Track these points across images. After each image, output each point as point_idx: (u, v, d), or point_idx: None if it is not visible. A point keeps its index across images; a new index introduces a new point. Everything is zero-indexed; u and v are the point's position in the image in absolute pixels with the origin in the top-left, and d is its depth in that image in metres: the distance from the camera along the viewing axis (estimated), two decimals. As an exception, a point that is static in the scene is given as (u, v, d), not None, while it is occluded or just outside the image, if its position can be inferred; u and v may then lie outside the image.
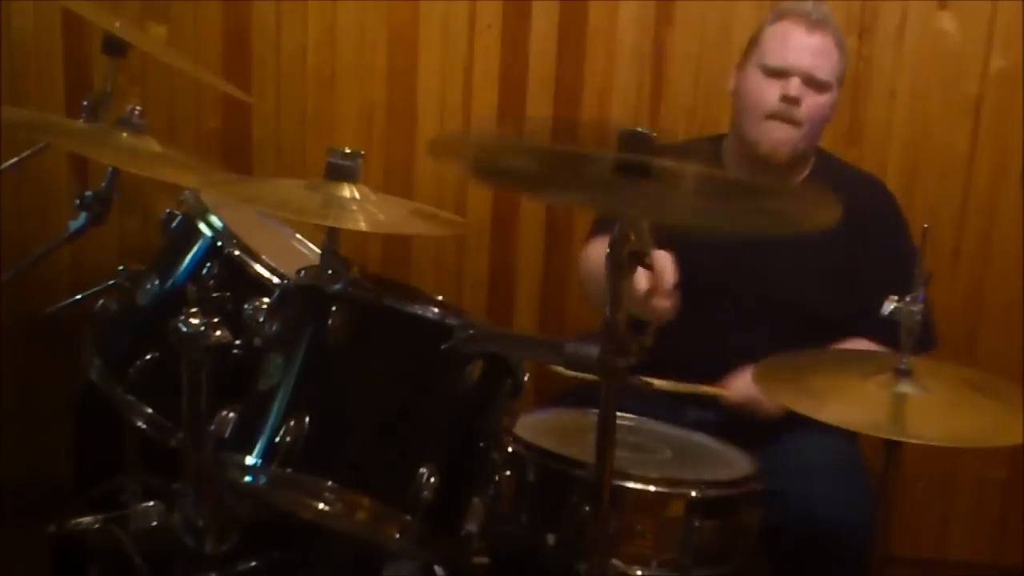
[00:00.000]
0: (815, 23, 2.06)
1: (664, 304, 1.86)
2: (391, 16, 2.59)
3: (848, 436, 2.02)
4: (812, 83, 2.04)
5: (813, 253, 2.06)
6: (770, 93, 2.03)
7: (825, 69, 2.05)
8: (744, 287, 2.09)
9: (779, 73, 2.04)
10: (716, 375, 2.00)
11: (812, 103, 2.04)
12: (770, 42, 2.06)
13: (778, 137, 2.04)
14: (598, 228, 2.24)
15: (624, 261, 1.32)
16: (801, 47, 2.04)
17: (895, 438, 1.48)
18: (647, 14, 2.57)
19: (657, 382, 1.82)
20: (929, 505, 2.68)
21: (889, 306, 1.52)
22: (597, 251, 2.16)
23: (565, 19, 2.58)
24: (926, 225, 1.59)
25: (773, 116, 2.03)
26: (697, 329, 2.05)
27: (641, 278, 1.89)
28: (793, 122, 2.04)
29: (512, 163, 1.52)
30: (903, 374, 1.53)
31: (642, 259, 1.34)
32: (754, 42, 2.11)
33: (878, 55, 2.54)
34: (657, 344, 1.91)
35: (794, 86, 2.02)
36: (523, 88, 2.61)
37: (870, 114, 2.56)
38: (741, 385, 1.96)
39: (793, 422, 1.94)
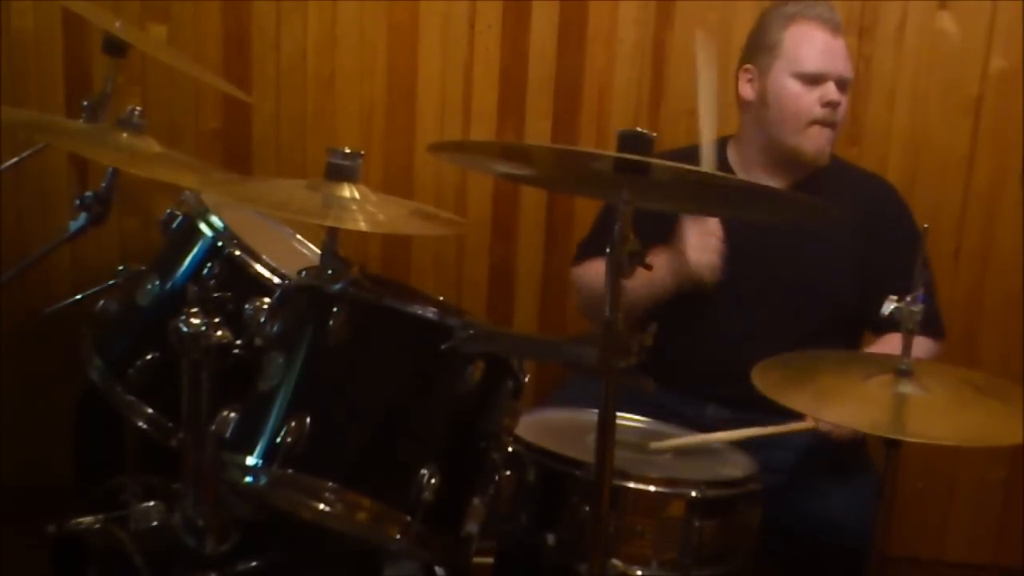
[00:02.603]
0: (836, 26, 2.08)
1: (712, 257, 1.95)
2: (391, 16, 2.59)
3: (856, 436, 2.02)
4: (843, 85, 2.07)
5: (829, 253, 2.07)
6: (810, 100, 2.05)
7: (850, 70, 2.11)
8: (761, 288, 2.09)
9: (816, 80, 2.05)
10: (731, 375, 1.99)
11: (844, 104, 2.09)
12: (799, 48, 2.06)
13: (821, 142, 2.08)
14: (589, 250, 2.26)
15: (624, 261, 1.33)
16: (832, 51, 2.07)
17: (896, 437, 1.48)
18: (647, 14, 2.57)
19: (741, 433, 1.85)
20: (929, 505, 2.68)
21: (889, 307, 1.52)
22: (596, 268, 2.19)
23: (565, 19, 2.58)
24: (926, 225, 1.59)
25: (815, 122, 2.06)
26: (714, 330, 2.06)
27: (691, 230, 1.93)
28: (833, 125, 2.08)
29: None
30: (904, 375, 1.53)
31: (643, 258, 1.34)
32: (771, 47, 2.09)
33: (878, 55, 2.54)
34: (674, 346, 1.94)
35: (832, 90, 2.05)
36: (523, 88, 2.61)
37: (870, 114, 2.56)
38: None
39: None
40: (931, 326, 2.05)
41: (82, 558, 1.69)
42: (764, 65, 2.10)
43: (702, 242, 2.00)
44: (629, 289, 1.35)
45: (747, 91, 2.14)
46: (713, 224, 2.01)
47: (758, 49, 2.13)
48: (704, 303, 2.04)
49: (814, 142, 2.07)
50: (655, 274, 1.98)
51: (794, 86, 2.06)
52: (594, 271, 2.21)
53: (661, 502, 1.63)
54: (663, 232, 2.02)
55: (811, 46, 2.06)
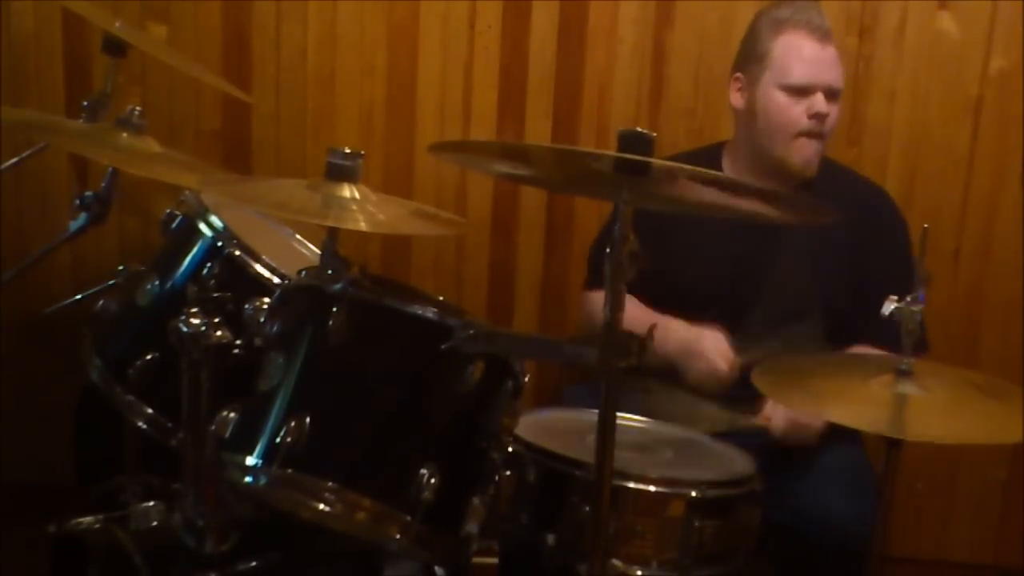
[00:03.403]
0: (825, 34, 2.06)
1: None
2: (391, 16, 2.59)
3: (855, 439, 2.03)
4: (832, 95, 2.06)
5: (821, 258, 2.07)
6: (796, 112, 2.04)
7: (840, 79, 2.09)
8: (751, 293, 2.09)
9: (803, 91, 2.04)
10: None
11: (833, 114, 2.07)
12: (787, 59, 2.05)
13: (808, 154, 2.07)
14: (598, 278, 2.25)
15: (624, 261, 1.33)
16: (820, 62, 2.06)
17: (897, 436, 1.48)
18: (647, 14, 2.57)
19: (695, 429, 1.86)
20: (929, 505, 2.68)
21: (889, 307, 1.52)
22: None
23: (565, 19, 2.58)
24: (926, 225, 1.59)
25: (802, 134, 2.05)
26: None
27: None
28: (820, 136, 2.07)
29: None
30: (904, 375, 1.53)
31: (642, 259, 1.34)
32: (760, 57, 2.08)
33: (878, 55, 2.54)
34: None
35: (819, 102, 2.04)
36: (523, 88, 2.61)
37: (870, 114, 2.56)
38: (781, 414, 1.93)
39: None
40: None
41: (82, 558, 1.69)
42: (753, 75, 2.10)
43: (707, 378, 1.96)
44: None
45: (737, 100, 2.14)
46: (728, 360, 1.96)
47: (748, 58, 2.12)
48: (699, 309, 2.03)
49: (801, 154, 2.06)
50: (662, 345, 1.97)
51: (781, 98, 2.05)
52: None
53: (661, 502, 1.63)
54: (664, 234, 2.01)
55: (799, 57, 2.05)
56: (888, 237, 2.10)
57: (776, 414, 1.93)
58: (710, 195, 1.49)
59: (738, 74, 2.14)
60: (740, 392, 1.86)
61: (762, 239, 2.02)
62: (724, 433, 1.89)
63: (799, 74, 2.04)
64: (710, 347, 1.96)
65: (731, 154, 2.20)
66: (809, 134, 2.05)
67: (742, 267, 2.07)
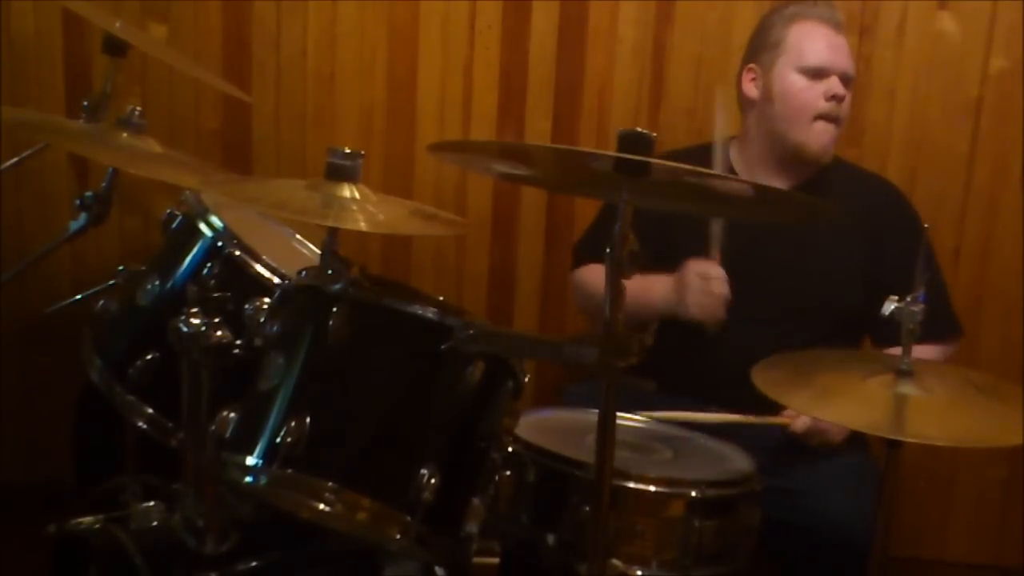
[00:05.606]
0: (838, 24, 2.10)
1: (714, 310, 1.96)
2: (391, 16, 2.59)
3: (859, 437, 2.03)
4: (846, 81, 2.08)
5: (833, 255, 2.07)
6: (814, 94, 2.06)
7: (853, 67, 2.12)
8: (765, 290, 2.09)
9: (820, 73, 2.06)
10: (733, 381, 1.99)
11: (847, 100, 2.09)
12: (802, 43, 2.08)
13: (826, 140, 2.09)
14: (587, 252, 2.26)
15: (624, 261, 1.33)
16: (836, 47, 2.09)
17: (895, 438, 1.48)
18: (647, 14, 2.57)
19: (715, 416, 1.87)
20: (929, 505, 2.69)
21: (890, 306, 1.52)
22: (595, 272, 2.19)
23: (565, 19, 2.58)
24: (926, 225, 1.59)
25: (820, 117, 2.07)
26: (715, 335, 2.06)
27: (693, 282, 1.96)
28: (837, 120, 2.08)
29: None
30: (904, 374, 1.53)
31: (642, 260, 1.34)
32: (775, 45, 2.10)
33: (878, 55, 2.54)
34: (676, 351, 1.94)
35: (836, 84, 2.06)
36: (523, 88, 2.61)
37: (870, 114, 2.56)
38: (804, 418, 1.95)
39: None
40: (942, 327, 2.06)
41: (82, 558, 1.69)
42: (768, 62, 2.11)
43: (704, 297, 1.98)
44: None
45: (751, 89, 2.14)
46: (716, 272, 1.99)
47: (762, 48, 2.13)
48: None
49: (818, 138, 2.07)
50: (648, 299, 2.00)
51: (799, 80, 2.07)
52: (593, 275, 2.21)
53: (661, 502, 1.63)
54: (663, 233, 2.01)
55: (814, 41, 2.08)
56: (901, 233, 2.10)
57: (800, 418, 1.95)
58: (713, 193, 1.49)
59: (751, 65, 2.15)
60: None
61: (771, 238, 2.02)
62: (748, 426, 1.91)
63: (816, 56, 2.06)
64: (693, 276, 1.98)
65: (740, 149, 2.20)
66: (827, 117, 2.06)
67: (751, 268, 2.07)
